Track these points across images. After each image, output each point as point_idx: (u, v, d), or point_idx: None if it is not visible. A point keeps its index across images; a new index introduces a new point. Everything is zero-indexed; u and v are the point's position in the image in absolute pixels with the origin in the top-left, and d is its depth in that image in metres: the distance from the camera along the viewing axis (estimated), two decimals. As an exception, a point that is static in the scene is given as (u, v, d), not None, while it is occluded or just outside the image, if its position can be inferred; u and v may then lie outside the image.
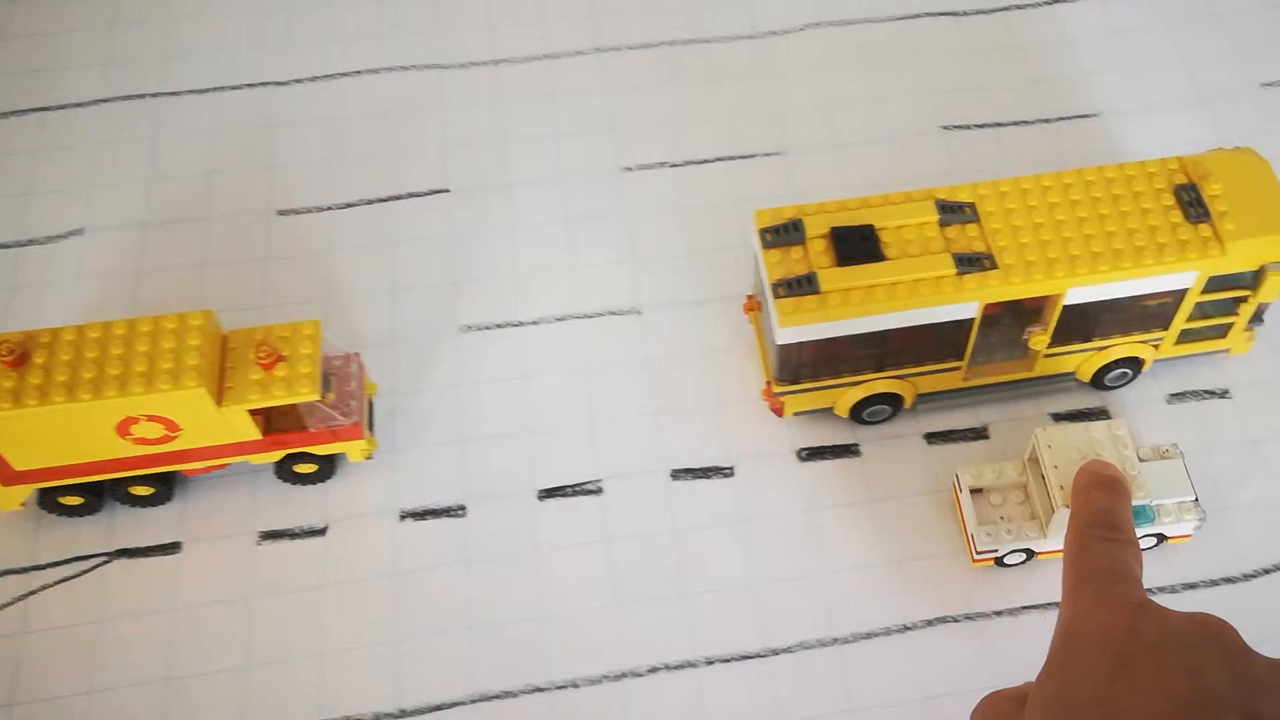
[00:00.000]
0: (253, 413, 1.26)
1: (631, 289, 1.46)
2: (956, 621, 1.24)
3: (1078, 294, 1.25)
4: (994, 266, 1.23)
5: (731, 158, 1.57)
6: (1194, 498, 1.24)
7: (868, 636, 1.23)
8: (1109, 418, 1.36)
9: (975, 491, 1.28)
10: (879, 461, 1.34)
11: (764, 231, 1.26)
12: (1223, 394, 1.38)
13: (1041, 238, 1.26)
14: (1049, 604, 1.25)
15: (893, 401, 1.35)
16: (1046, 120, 1.60)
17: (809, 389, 1.32)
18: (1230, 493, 1.31)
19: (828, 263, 1.24)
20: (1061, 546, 1.13)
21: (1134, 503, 1.17)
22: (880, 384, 1.32)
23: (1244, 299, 1.31)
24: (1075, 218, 1.26)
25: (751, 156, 1.57)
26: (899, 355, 1.31)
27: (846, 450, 1.35)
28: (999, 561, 1.27)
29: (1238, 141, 1.57)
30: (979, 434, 1.36)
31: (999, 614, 1.25)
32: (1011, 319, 1.32)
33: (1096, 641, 0.86)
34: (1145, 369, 1.37)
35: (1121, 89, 1.63)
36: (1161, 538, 1.27)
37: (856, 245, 1.24)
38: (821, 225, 1.26)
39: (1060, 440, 1.21)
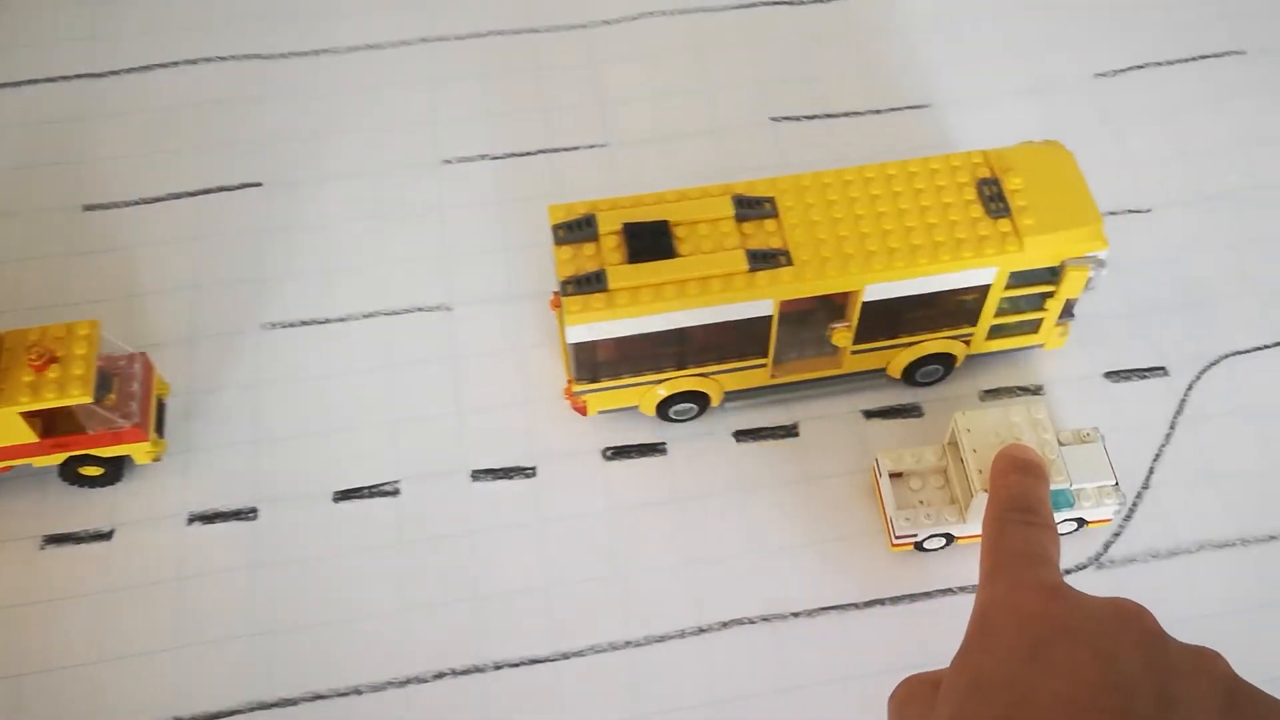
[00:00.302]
0: (31, 414, 1.22)
1: (443, 285, 1.42)
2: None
3: (876, 291, 1.24)
4: (789, 263, 1.21)
5: (555, 150, 1.53)
6: (1114, 482, 1.24)
7: (665, 637, 1.20)
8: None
9: (895, 476, 1.27)
10: (685, 460, 1.32)
11: (557, 228, 1.23)
12: (1036, 390, 1.38)
13: (839, 233, 1.23)
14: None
15: (700, 400, 1.34)
16: (878, 111, 1.58)
17: (611, 387, 1.29)
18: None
19: (619, 260, 1.21)
20: (980, 531, 1.11)
21: (1053, 487, 1.17)
22: (684, 382, 1.30)
23: (1050, 294, 1.31)
24: (875, 213, 1.24)
25: (575, 149, 1.53)
26: (702, 353, 1.28)
27: (653, 449, 1.33)
28: (918, 546, 1.26)
29: (1070, 133, 1.55)
30: (789, 431, 1.34)
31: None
32: (817, 316, 1.31)
33: (1011, 625, 0.85)
34: (958, 365, 1.37)
35: (955, 79, 1.61)
36: (1081, 522, 1.26)
37: (649, 241, 1.21)
38: (615, 221, 1.23)
39: (979, 424, 1.21)
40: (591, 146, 1.54)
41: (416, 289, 1.42)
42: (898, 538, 1.24)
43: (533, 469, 1.31)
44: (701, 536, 1.27)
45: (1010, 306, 1.32)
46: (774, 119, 1.57)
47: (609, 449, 1.32)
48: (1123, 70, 1.61)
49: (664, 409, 1.32)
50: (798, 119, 1.58)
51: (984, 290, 1.27)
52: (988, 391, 1.37)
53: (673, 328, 1.22)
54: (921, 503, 1.25)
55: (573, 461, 1.31)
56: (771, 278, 1.20)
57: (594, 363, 1.26)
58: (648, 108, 1.57)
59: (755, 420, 1.35)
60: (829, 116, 1.58)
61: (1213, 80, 1.60)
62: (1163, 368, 1.38)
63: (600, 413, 1.31)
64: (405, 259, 1.44)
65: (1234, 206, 1.49)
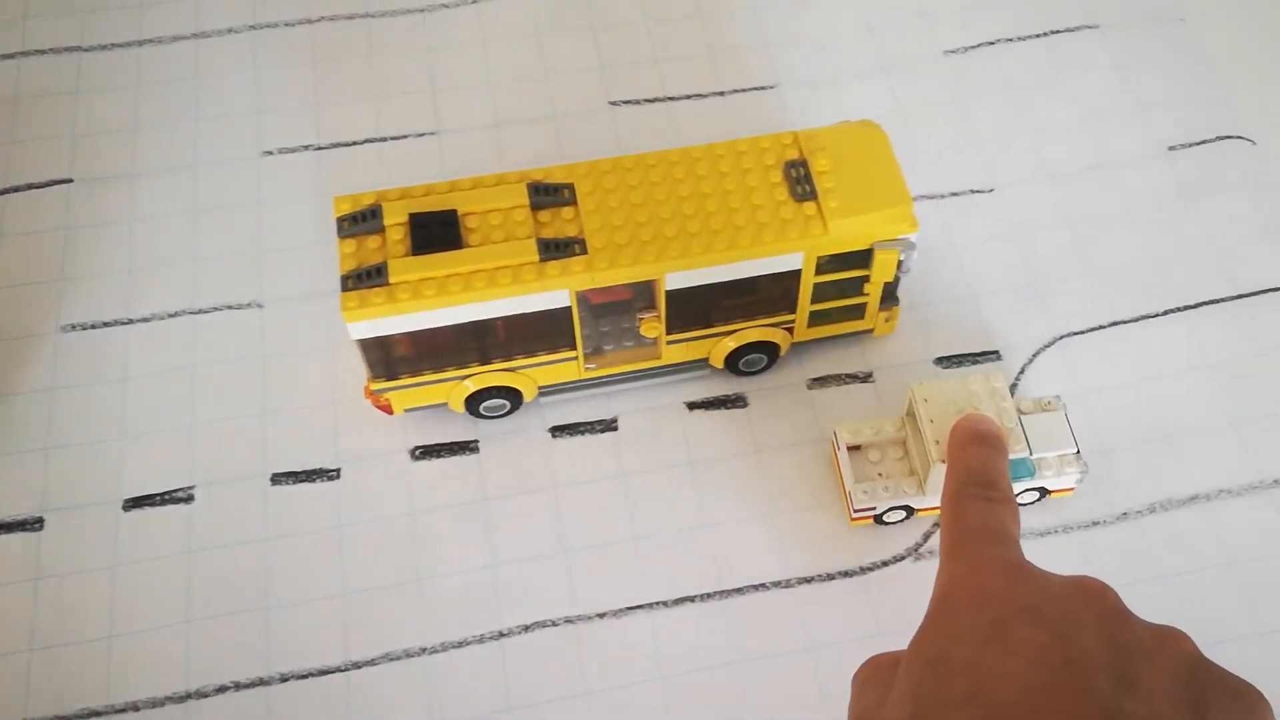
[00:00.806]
0: None
1: (255, 282, 1.37)
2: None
3: (678, 279, 1.19)
4: (583, 252, 1.17)
5: (383, 139, 1.48)
6: (1075, 450, 1.20)
7: (464, 643, 1.16)
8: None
9: (854, 449, 1.24)
10: (497, 458, 1.28)
11: (342, 220, 1.18)
12: (865, 378, 1.34)
13: (637, 220, 1.18)
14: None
15: (512, 395, 1.29)
16: (721, 93, 1.54)
17: (413, 385, 1.25)
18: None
19: (403, 252, 1.17)
20: (939, 503, 1.11)
21: (1012, 456, 1.13)
22: (491, 377, 1.25)
23: (865, 279, 1.27)
24: (676, 198, 1.19)
25: (404, 137, 1.49)
26: (506, 346, 1.23)
27: (464, 447, 1.28)
28: (878, 520, 1.23)
29: (918, 112, 1.51)
30: (608, 426, 1.30)
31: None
32: (633, 306, 1.26)
33: (971, 605, 0.84)
34: (783, 354, 1.32)
35: (803, 59, 1.56)
36: (1044, 491, 1.23)
37: (436, 232, 1.16)
38: (403, 212, 1.18)
39: (936, 394, 1.17)
40: (421, 135, 1.49)
41: (227, 287, 1.37)
42: (856, 511, 1.21)
43: (336, 471, 1.26)
44: (508, 536, 1.23)
45: (829, 292, 1.27)
46: (613, 103, 1.53)
47: (417, 448, 1.28)
48: (973, 47, 1.56)
49: (473, 405, 1.28)
50: (638, 103, 1.53)
51: (795, 276, 1.24)
52: (815, 380, 1.33)
53: (464, 321, 1.17)
54: (880, 475, 1.23)
55: (379, 462, 1.26)
56: (562, 268, 1.16)
57: (389, 359, 1.21)
58: (483, 94, 1.52)
59: (572, 415, 1.30)
60: (670, 100, 1.53)
61: (1063, 56, 1.55)
62: (996, 351, 1.33)
63: (408, 411, 1.28)
64: (218, 255, 1.39)
65: (1077, 185, 1.45)
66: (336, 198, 1.19)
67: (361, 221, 1.18)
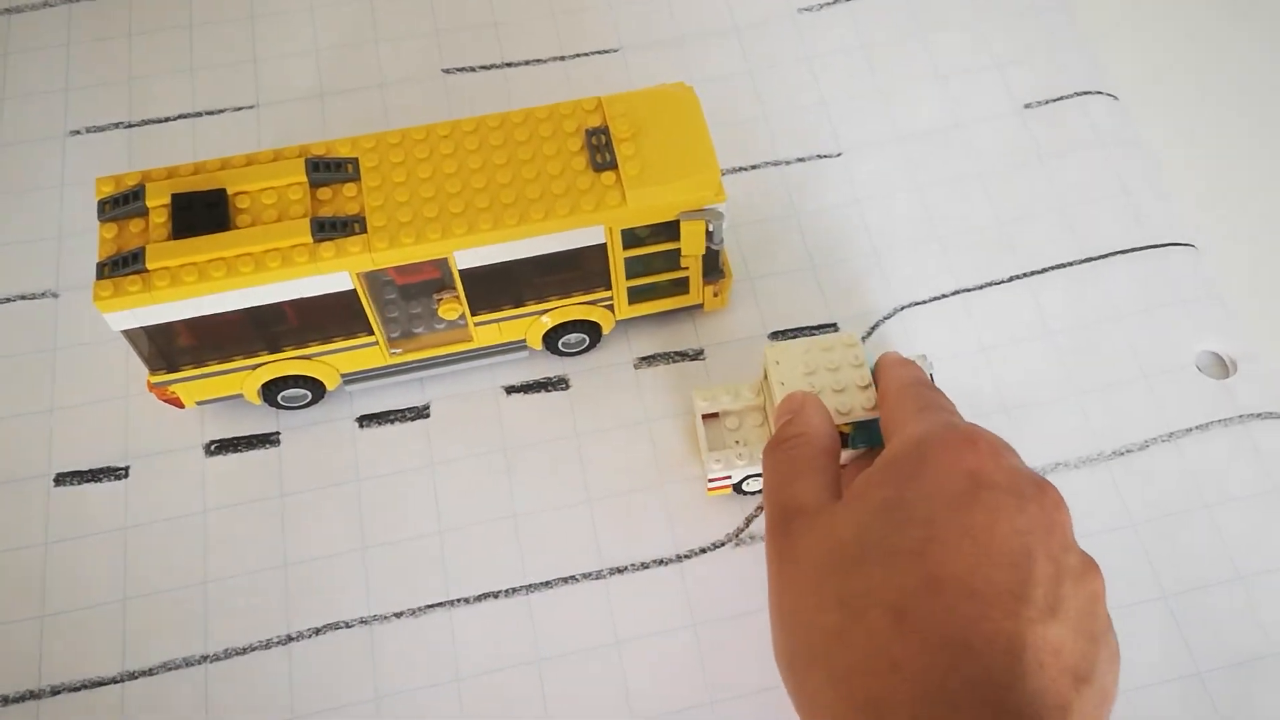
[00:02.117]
0: None
1: (51, 270, 1.30)
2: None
3: (470, 257, 1.12)
4: (362, 231, 1.09)
5: (198, 114, 1.40)
6: None
7: (249, 649, 1.09)
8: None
9: (711, 417, 1.18)
10: (300, 451, 1.20)
11: (104, 202, 1.10)
12: (696, 355, 1.26)
13: (423, 195, 1.10)
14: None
15: (311, 384, 1.22)
16: (562, 58, 1.46)
17: (198, 376, 1.17)
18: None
19: (164, 235, 1.08)
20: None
21: (865, 418, 1.07)
22: (284, 366, 1.17)
23: (678, 252, 1.19)
24: (467, 171, 1.11)
25: (220, 111, 1.40)
26: (298, 333, 1.15)
27: (265, 440, 1.21)
28: (738, 489, 1.17)
29: (769, 73, 1.43)
30: (420, 413, 1.22)
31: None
32: (434, 287, 1.19)
33: (945, 465, 0.85)
34: (607, 332, 1.25)
35: (648, 20, 1.47)
36: None
37: (201, 214, 1.08)
38: (166, 192, 1.10)
39: (789, 355, 1.11)
40: (240, 109, 1.41)
41: (22, 275, 1.29)
42: (711, 481, 1.15)
43: (125, 469, 1.20)
44: (304, 534, 1.16)
45: (647, 266, 1.20)
46: (446, 70, 1.45)
47: (213, 443, 1.21)
48: (827, 4, 1.47)
49: (271, 396, 1.21)
50: (473, 69, 1.45)
51: (603, 250, 1.16)
52: (643, 359, 1.26)
53: (237, 309, 1.10)
54: (738, 442, 1.16)
55: (171, 459, 1.19)
56: (338, 248, 1.07)
57: (166, 351, 1.13)
58: (308, 63, 1.44)
59: (382, 403, 1.23)
60: (508, 66, 1.45)
61: (921, 12, 1.47)
62: (833, 324, 1.26)
63: (202, 404, 1.21)
64: (14, 242, 1.31)
65: (929, 148, 1.37)
66: (99, 179, 1.10)
67: (124, 204, 1.09)
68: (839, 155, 1.37)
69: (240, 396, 1.20)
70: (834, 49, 1.45)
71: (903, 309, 1.27)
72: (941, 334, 1.26)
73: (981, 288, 1.28)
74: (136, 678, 1.09)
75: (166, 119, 1.40)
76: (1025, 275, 1.29)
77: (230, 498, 1.18)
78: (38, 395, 1.23)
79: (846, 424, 1.09)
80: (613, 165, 1.12)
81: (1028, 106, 1.39)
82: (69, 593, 1.13)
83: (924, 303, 1.27)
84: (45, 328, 1.27)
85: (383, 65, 1.44)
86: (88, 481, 1.19)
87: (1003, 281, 1.29)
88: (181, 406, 1.20)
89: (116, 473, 1.19)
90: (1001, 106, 1.40)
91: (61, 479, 1.18)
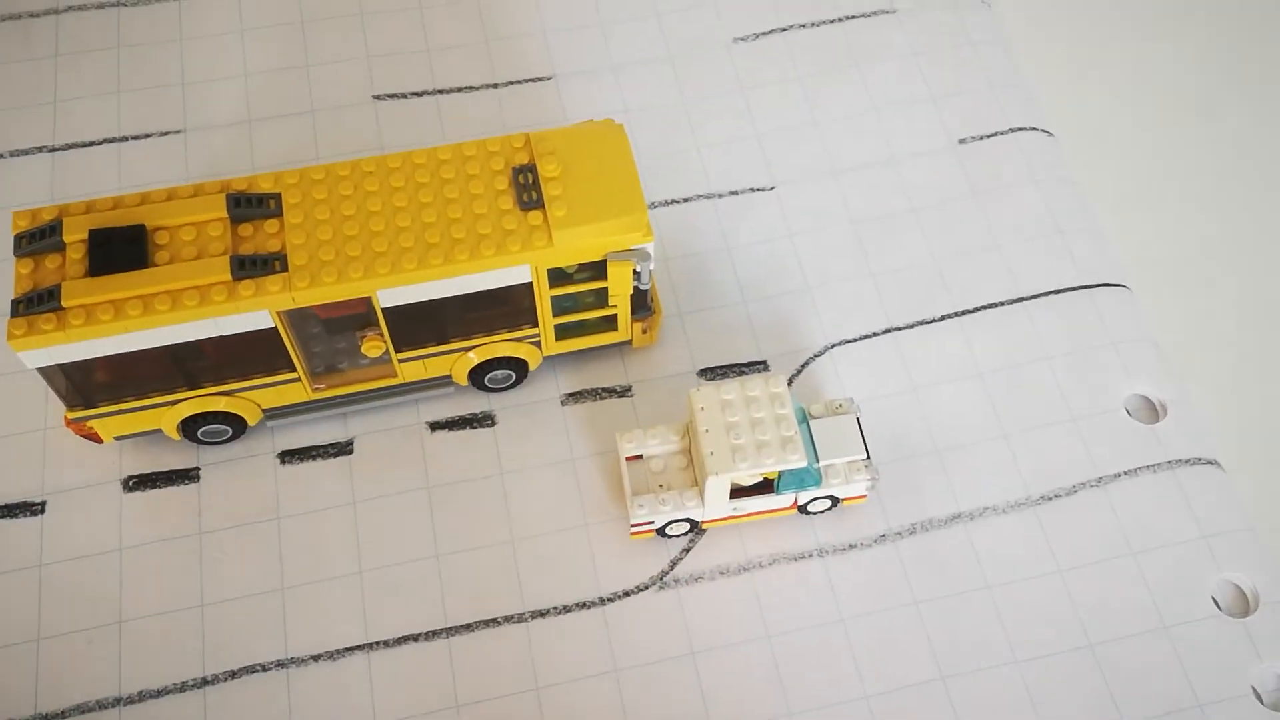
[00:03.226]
0: None
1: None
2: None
3: (393, 296, 1.10)
4: (283, 269, 1.08)
5: (124, 138, 1.37)
6: (865, 455, 1.14)
7: (164, 691, 1.07)
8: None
9: (635, 458, 1.17)
10: (219, 486, 1.18)
11: (20, 237, 1.07)
12: (623, 392, 1.25)
13: (346, 234, 1.09)
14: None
15: (232, 420, 1.19)
16: (495, 85, 1.44)
17: (115, 412, 1.15)
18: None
19: (81, 272, 1.06)
20: (722, 515, 1.09)
21: (789, 467, 1.08)
22: (203, 402, 1.15)
23: (606, 290, 1.18)
24: (391, 209, 1.10)
25: (146, 136, 1.38)
26: (217, 370, 1.14)
27: (184, 476, 1.19)
28: (660, 533, 1.16)
29: (704, 104, 1.42)
30: (343, 449, 1.20)
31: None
32: (358, 323, 1.17)
33: None
34: (534, 368, 1.23)
35: (584, 48, 1.46)
36: (835, 500, 1.16)
37: (118, 250, 1.06)
38: (84, 228, 1.07)
39: (713, 400, 1.11)
40: (166, 134, 1.38)
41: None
42: (634, 525, 1.14)
43: (41, 504, 1.17)
44: (220, 572, 1.13)
45: (574, 304, 1.19)
46: (377, 97, 1.43)
47: (132, 478, 1.18)
48: (764, 34, 1.47)
49: (190, 431, 1.19)
50: (404, 96, 1.43)
51: (529, 289, 1.15)
52: (570, 395, 1.25)
53: (153, 347, 1.07)
54: (661, 486, 1.15)
55: (89, 494, 1.17)
56: (258, 286, 1.06)
57: (82, 387, 1.11)
58: (237, 88, 1.41)
59: (304, 438, 1.21)
60: (440, 93, 1.43)
61: (858, 43, 1.46)
62: (763, 362, 1.26)
63: (119, 439, 1.19)
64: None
65: (863, 182, 1.36)
66: (15, 213, 1.08)
67: (40, 239, 1.07)
68: (772, 188, 1.37)
69: (160, 431, 1.19)
70: (768, 80, 1.44)
71: (833, 346, 1.27)
72: (872, 373, 1.25)
73: (913, 326, 1.28)
74: (47, 719, 1.09)
75: (91, 143, 1.37)
76: (957, 314, 1.29)
77: (148, 535, 1.16)
78: (-50, 428, 1.22)
79: (773, 471, 1.10)
80: (539, 205, 1.11)
81: (962, 142, 1.39)
82: (-17, 633, 1.12)
83: (855, 340, 1.27)
84: (-41, 359, 1.25)
85: (313, 91, 1.42)
86: (3, 517, 1.16)
87: (935, 320, 1.29)
88: (100, 441, 1.17)
89: (33, 508, 1.16)
90: (936, 141, 1.40)
91: (-27, 515, 1.18)
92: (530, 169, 1.13)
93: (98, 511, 1.17)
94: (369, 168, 1.13)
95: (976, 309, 1.29)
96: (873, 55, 1.46)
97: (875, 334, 1.27)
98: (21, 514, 1.16)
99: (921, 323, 1.28)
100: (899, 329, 1.28)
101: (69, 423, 1.15)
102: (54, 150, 1.36)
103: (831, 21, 1.48)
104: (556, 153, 1.13)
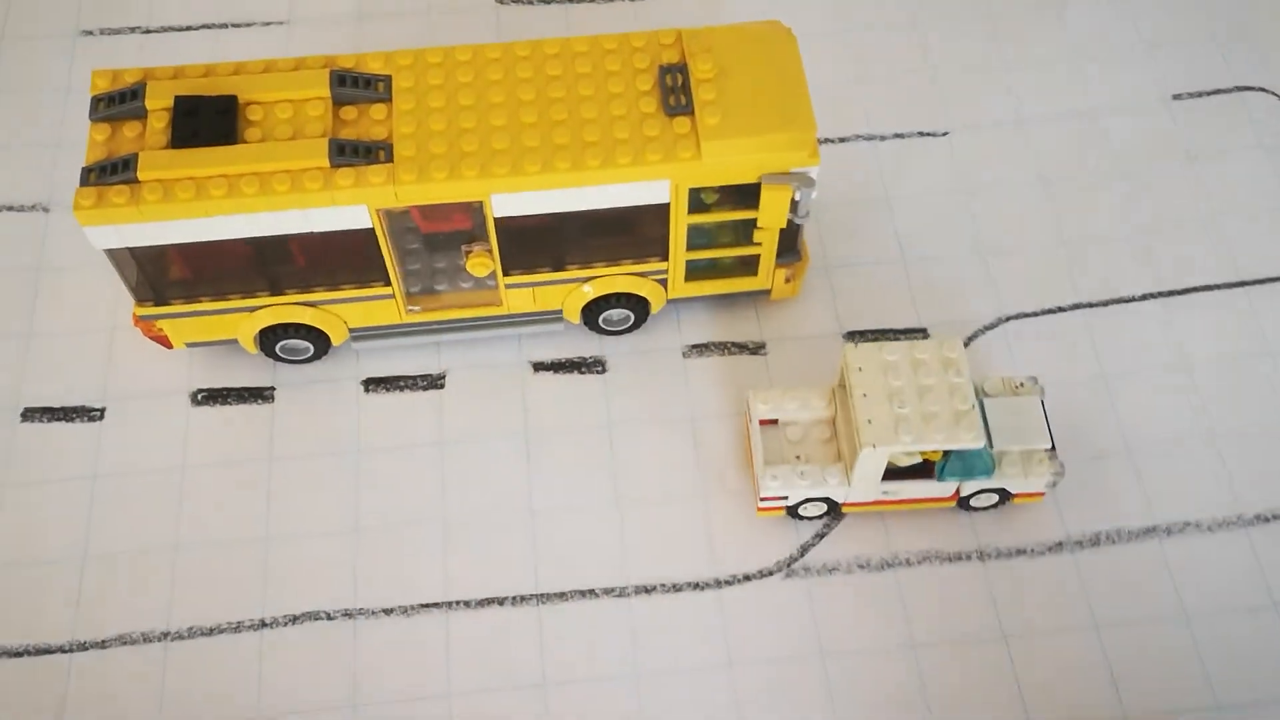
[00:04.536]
0: None
1: (45, 180, 1.14)
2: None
3: (508, 204, 0.95)
4: (388, 159, 0.93)
5: (222, 25, 1.23)
6: (1049, 445, 0.95)
7: (216, 629, 0.94)
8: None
9: (770, 423, 1.01)
10: (296, 410, 1.04)
11: (98, 99, 0.94)
12: (756, 349, 1.08)
13: (461, 126, 0.94)
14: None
15: (315, 336, 1.05)
16: (641, -8, 1.31)
17: (187, 313, 1.01)
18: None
19: (162, 143, 0.93)
20: (870, 498, 0.93)
21: (962, 447, 0.90)
22: (284, 311, 1.01)
23: (754, 223, 1.01)
24: (516, 102, 0.95)
25: (248, 25, 1.23)
26: (304, 275, 1.00)
27: (257, 394, 1.05)
28: (792, 512, 0.99)
29: (868, 31, 1.23)
30: (433, 382, 1.06)
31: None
32: (464, 238, 1.01)
33: None
34: (655, 311, 1.07)
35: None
36: (1005, 494, 0.97)
37: (206, 121, 0.92)
38: (169, 94, 0.94)
39: (874, 360, 0.93)
40: (269, 24, 1.25)
41: (12, 184, 1.15)
42: (763, 500, 0.98)
43: (100, 410, 1.05)
44: (289, 505, 0.99)
45: (711, 237, 1.02)
46: (500, 1, 1.30)
47: (200, 391, 1.05)
48: (949, -38, 1.32)
49: (268, 345, 1.05)
50: (529, 2, 1.29)
51: (664, 212, 0.99)
52: (694, 346, 1.09)
53: (237, 237, 0.94)
54: (799, 458, 0.99)
55: (152, 404, 1.04)
56: (357, 177, 0.91)
57: (154, 279, 0.98)
58: (343, -18, 1.30)
59: (392, 366, 1.07)
60: (571, 1, 1.30)
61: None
62: (923, 329, 1.08)
63: (190, 346, 1.06)
64: (6, 147, 1.16)
65: (1054, 135, 1.18)
66: (95, 71, 0.95)
67: (120, 103, 0.94)
68: (945, 134, 1.19)
69: (235, 342, 1.05)
70: (950, 11, 1.26)
71: (1008, 319, 1.08)
72: (1053, 355, 1.07)
73: (1107, 304, 1.09)
74: (87, 649, 0.95)
75: (188, 27, 1.25)
76: (1162, 294, 1.10)
77: (213, 456, 1.02)
78: (14, 318, 1.08)
79: (936, 451, 0.93)
80: (688, 110, 0.94)
81: (1176, 98, 1.20)
82: (21, 544, 0.98)
83: (1035, 315, 1.09)
84: (30, 244, 1.12)
85: (434, -12, 1.30)
86: (58, 420, 1.04)
87: (1134, 299, 1.10)
88: (170, 346, 1.04)
89: (91, 413, 1.04)
90: (1146, 95, 1.21)
91: (30, 414, 1.04)
92: (680, 69, 0.96)
93: (161, 424, 1.04)
94: (493, 55, 0.97)
95: (1186, 290, 1.10)
96: (1078, -9, 1.29)
97: (1061, 309, 1.09)
98: (79, 418, 1.04)
99: (1118, 300, 1.09)
100: (1090, 305, 1.09)
101: (138, 321, 1.02)
102: (147, 32, 1.25)
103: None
104: (712, 52, 0.96)
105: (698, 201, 0.99)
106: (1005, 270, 1.11)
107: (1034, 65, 1.23)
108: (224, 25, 1.25)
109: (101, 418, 1.04)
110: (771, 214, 0.98)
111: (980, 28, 1.25)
